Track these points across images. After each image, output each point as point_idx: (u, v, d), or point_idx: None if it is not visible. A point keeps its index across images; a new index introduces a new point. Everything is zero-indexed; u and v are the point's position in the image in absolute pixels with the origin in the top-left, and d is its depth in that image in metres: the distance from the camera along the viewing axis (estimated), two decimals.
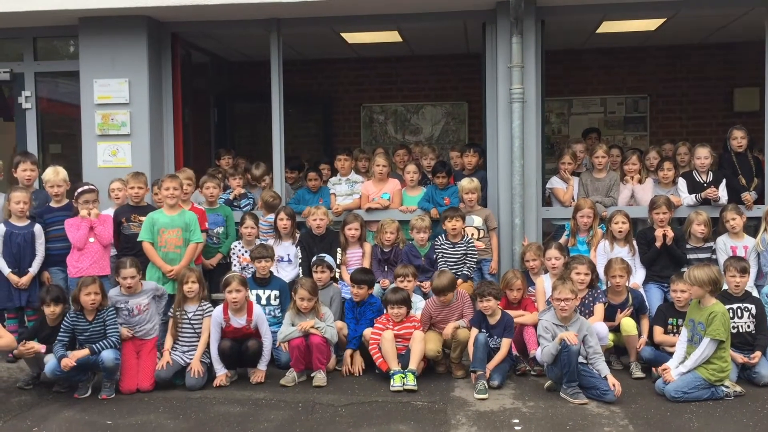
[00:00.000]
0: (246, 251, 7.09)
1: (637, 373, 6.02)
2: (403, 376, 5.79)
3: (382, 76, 11.27)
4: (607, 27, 9.04)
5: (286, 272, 7.09)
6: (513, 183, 7.40)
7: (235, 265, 7.13)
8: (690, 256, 6.78)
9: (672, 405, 5.33)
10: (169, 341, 6.13)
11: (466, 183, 7.31)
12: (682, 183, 7.43)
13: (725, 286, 5.93)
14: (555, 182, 7.83)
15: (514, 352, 6.18)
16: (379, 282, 6.92)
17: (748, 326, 5.93)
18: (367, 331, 6.25)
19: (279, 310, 6.57)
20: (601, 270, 6.51)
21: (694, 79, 10.79)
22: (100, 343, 5.73)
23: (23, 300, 6.63)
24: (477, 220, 7.28)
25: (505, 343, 6.00)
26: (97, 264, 6.53)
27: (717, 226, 6.99)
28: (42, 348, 5.81)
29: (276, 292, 6.62)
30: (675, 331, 6.07)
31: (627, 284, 6.39)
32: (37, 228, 6.67)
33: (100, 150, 7.89)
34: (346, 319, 6.51)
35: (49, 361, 5.72)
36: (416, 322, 6.21)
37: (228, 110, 11.17)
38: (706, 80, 10.74)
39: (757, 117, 8.61)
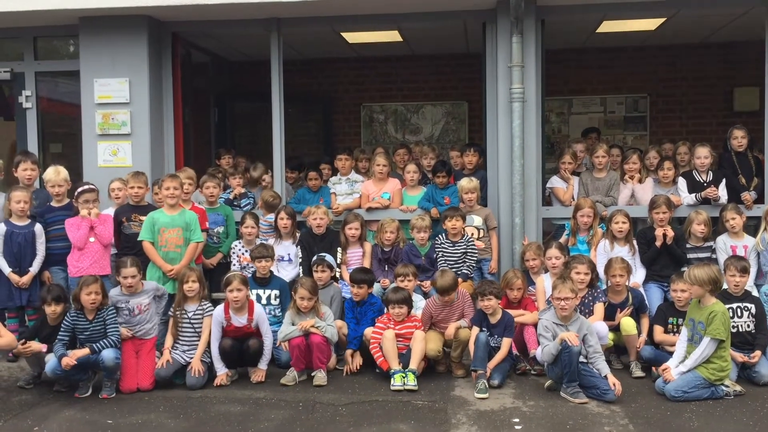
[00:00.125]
0: (246, 251, 7.09)
1: (637, 372, 6.03)
2: (404, 375, 5.80)
3: (383, 75, 11.27)
4: (607, 26, 9.04)
5: (287, 272, 7.09)
6: (513, 182, 7.41)
7: (234, 265, 7.13)
8: (690, 256, 6.78)
9: (672, 404, 5.34)
10: (169, 340, 6.13)
11: (465, 183, 7.32)
12: (682, 182, 7.43)
13: (725, 286, 5.93)
14: (555, 182, 7.83)
15: (515, 351, 6.18)
16: (379, 281, 6.93)
17: (748, 325, 5.93)
18: (368, 331, 6.25)
19: (279, 310, 6.58)
20: (601, 269, 6.52)
21: (694, 79, 10.80)
22: (101, 342, 5.73)
23: (24, 299, 6.63)
24: (477, 220, 7.28)
25: (506, 343, 6.00)
26: (98, 264, 6.54)
27: (717, 226, 7.00)
28: (43, 347, 5.82)
29: (276, 292, 6.62)
30: (675, 330, 6.07)
31: (627, 283, 6.40)
32: (38, 227, 6.68)
33: (100, 149, 7.90)
34: (346, 318, 6.51)
35: (50, 360, 5.73)
36: (417, 322, 6.21)
37: (228, 110, 11.18)
38: (706, 80, 10.75)
39: (757, 117, 8.63)
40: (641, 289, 6.65)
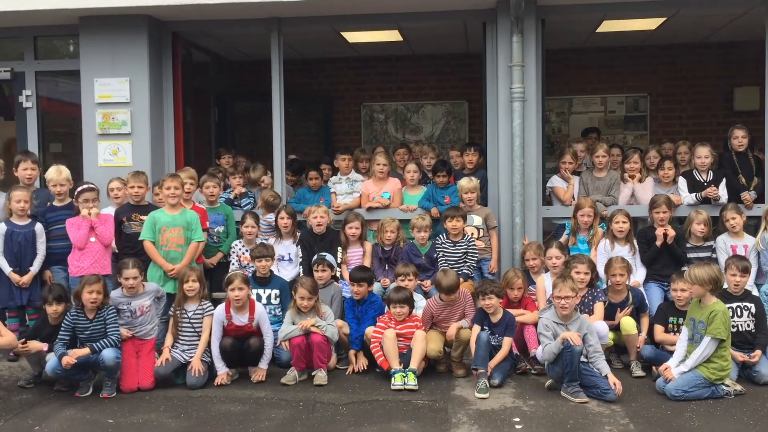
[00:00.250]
0: (246, 250, 7.09)
1: (638, 371, 6.03)
2: (404, 375, 5.80)
3: (383, 75, 11.28)
4: (608, 26, 9.05)
5: (287, 271, 7.10)
6: (513, 182, 7.41)
7: (234, 264, 7.13)
8: (690, 255, 6.79)
9: (672, 404, 5.34)
10: (169, 340, 6.13)
11: (465, 183, 7.32)
12: (682, 182, 7.44)
13: (725, 285, 5.93)
14: (555, 181, 7.83)
15: (515, 351, 6.18)
16: (379, 281, 6.93)
17: (748, 325, 5.93)
18: (369, 330, 6.25)
19: (279, 309, 6.58)
20: (601, 269, 6.52)
21: (695, 78, 10.81)
22: (101, 342, 5.73)
23: (24, 299, 6.63)
24: (477, 220, 7.28)
25: (507, 342, 6.00)
26: (98, 263, 6.53)
27: (717, 225, 7.00)
28: (43, 346, 5.82)
29: (276, 291, 6.62)
30: (675, 330, 6.07)
31: (627, 283, 6.40)
32: (38, 227, 6.68)
33: (100, 149, 7.90)
34: (347, 318, 6.51)
35: (50, 359, 5.73)
36: (418, 322, 6.21)
37: (228, 109, 11.18)
38: (707, 79, 10.75)
39: (757, 116, 8.63)
40: (641, 289, 6.66)
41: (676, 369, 5.54)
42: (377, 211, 7.56)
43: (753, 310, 5.94)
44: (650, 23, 9.07)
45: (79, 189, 6.68)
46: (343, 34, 9.29)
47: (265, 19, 7.94)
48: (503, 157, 7.52)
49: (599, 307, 6.18)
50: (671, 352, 5.82)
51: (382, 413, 5.26)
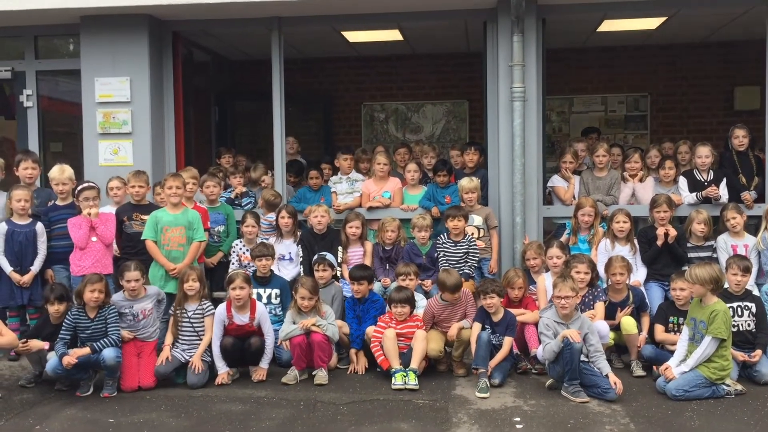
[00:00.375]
0: (247, 250, 7.09)
1: (638, 371, 6.03)
2: (405, 374, 5.80)
3: (383, 74, 11.28)
4: (608, 26, 9.05)
5: (288, 270, 7.10)
6: (514, 181, 7.41)
7: (234, 264, 7.13)
8: (691, 255, 6.79)
9: (673, 403, 5.34)
10: (169, 338, 6.13)
11: (465, 183, 7.31)
12: (682, 181, 7.44)
13: (726, 285, 5.93)
14: (556, 181, 7.83)
15: (515, 350, 6.19)
16: (380, 280, 6.93)
17: (749, 324, 5.93)
18: (370, 329, 6.25)
19: (280, 309, 6.57)
20: (601, 268, 6.52)
21: (695, 78, 10.80)
22: (101, 341, 5.73)
23: (25, 298, 6.63)
24: (477, 219, 7.28)
25: (507, 342, 6.00)
26: (100, 263, 6.53)
27: (717, 225, 7.00)
28: (44, 345, 5.82)
29: (276, 291, 6.62)
30: (676, 329, 6.07)
31: (627, 282, 6.40)
32: (39, 226, 6.68)
33: (101, 148, 7.90)
34: (347, 318, 6.51)
35: (51, 359, 5.73)
36: (419, 321, 6.21)
37: (229, 109, 11.19)
38: (707, 79, 10.75)
39: (757, 116, 8.64)
40: (642, 288, 6.66)
41: (676, 369, 5.54)
42: (378, 211, 7.56)
43: (754, 309, 5.94)
44: (651, 23, 9.08)
45: (79, 188, 6.68)
46: (343, 33, 9.29)
47: (265, 18, 7.94)
48: (504, 156, 7.52)
49: (600, 307, 6.18)
50: (672, 352, 5.83)
51: (383, 413, 5.27)
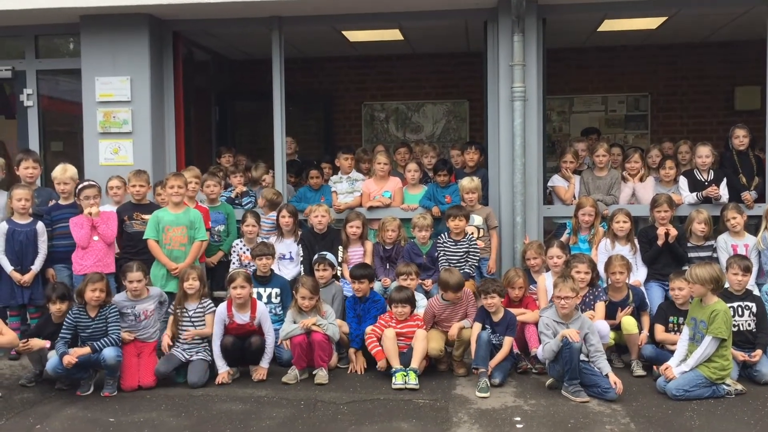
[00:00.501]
0: (247, 249, 7.09)
1: (638, 371, 6.03)
2: (405, 374, 5.80)
3: (383, 74, 11.28)
4: (609, 25, 9.05)
5: (288, 270, 7.10)
6: (514, 181, 7.41)
7: (234, 263, 7.13)
8: (691, 255, 6.80)
9: (673, 403, 5.34)
10: (168, 333, 6.12)
11: (466, 182, 7.31)
12: (683, 181, 7.44)
13: (726, 284, 5.93)
14: (556, 180, 7.84)
15: (516, 350, 6.19)
16: (380, 280, 6.93)
17: (749, 324, 5.93)
18: (369, 328, 6.25)
19: (280, 308, 6.58)
20: (601, 268, 6.52)
21: (695, 78, 10.81)
22: (101, 341, 5.73)
23: (26, 297, 6.63)
24: (477, 219, 7.28)
25: (507, 342, 6.00)
26: (102, 262, 6.54)
27: (718, 225, 7.00)
28: (46, 344, 5.82)
29: (277, 290, 6.62)
30: (676, 329, 6.07)
31: (627, 281, 6.40)
32: (40, 226, 6.68)
33: (101, 148, 7.90)
34: (347, 317, 6.51)
35: (51, 358, 5.73)
36: (419, 321, 6.22)
37: (229, 108, 11.20)
38: (707, 79, 10.75)
39: (757, 116, 8.64)
40: (642, 288, 6.66)
41: (677, 368, 5.54)
42: (378, 210, 7.56)
43: (754, 309, 5.94)
44: (651, 23, 9.07)
45: (80, 186, 6.69)
46: (344, 33, 9.29)
47: (266, 18, 7.94)
48: (504, 156, 7.53)
49: (600, 307, 6.18)
50: (672, 352, 5.83)
51: (383, 412, 5.27)
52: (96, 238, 6.57)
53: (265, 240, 7.07)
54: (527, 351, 6.24)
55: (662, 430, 4.89)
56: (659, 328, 6.14)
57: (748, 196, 7.29)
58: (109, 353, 5.66)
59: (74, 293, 6.03)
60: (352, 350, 6.36)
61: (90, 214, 6.53)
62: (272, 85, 8.05)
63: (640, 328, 6.19)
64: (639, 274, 6.81)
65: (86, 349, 5.68)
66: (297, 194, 8.11)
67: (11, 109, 8.65)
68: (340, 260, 7.03)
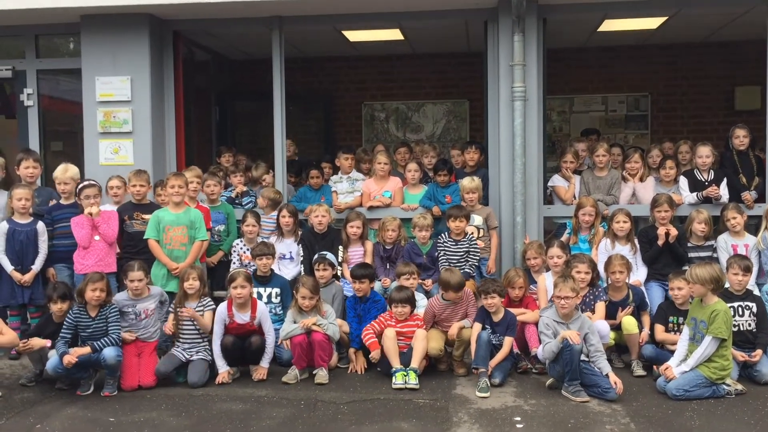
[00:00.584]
0: (247, 249, 7.09)
1: (639, 371, 6.03)
2: (405, 374, 5.80)
3: (384, 74, 11.28)
4: (609, 25, 9.05)
5: (288, 270, 7.10)
6: (514, 181, 7.42)
7: (234, 263, 7.13)
8: (691, 255, 6.80)
9: (673, 403, 5.34)
10: (169, 325, 6.12)
11: (467, 182, 7.31)
12: (683, 181, 7.44)
13: (727, 284, 5.93)
14: (556, 180, 7.84)
15: (516, 350, 6.19)
16: (380, 280, 6.93)
17: (749, 324, 5.93)
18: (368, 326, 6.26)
19: (280, 308, 6.58)
20: (601, 268, 6.52)
21: (695, 78, 10.81)
22: (102, 340, 5.73)
23: (26, 297, 6.63)
24: (477, 219, 7.28)
25: (507, 342, 6.00)
26: (103, 261, 6.55)
27: (718, 225, 7.00)
28: (46, 343, 5.82)
29: (277, 290, 6.62)
30: (676, 329, 6.07)
31: (627, 280, 6.40)
32: (40, 225, 6.68)
33: (102, 147, 7.91)
34: (348, 317, 6.51)
35: (51, 358, 5.73)
36: (419, 321, 6.22)
37: (229, 108, 11.20)
38: (707, 79, 10.75)
39: (758, 116, 8.64)
40: (642, 288, 6.66)
41: (677, 368, 5.54)
42: (378, 210, 7.56)
43: (754, 309, 5.94)
44: (651, 23, 9.08)
45: (80, 186, 6.70)
46: (344, 32, 9.29)
47: (266, 17, 7.94)
48: (504, 156, 7.53)
49: (600, 307, 6.18)
50: (672, 352, 5.83)
51: (384, 412, 5.27)
52: (97, 237, 6.57)
53: (265, 240, 7.06)
54: (527, 351, 6.24)
55: (662, 430, 4.89)
56: (659, 328, 6.15)
57: (748, 196, 7.29)
58: (109, 353, 5.66)
59: (75, 293, 6.03)
60: (352, 350, 6.36)
61: (90, 214, 6.53)
62: (272, 85, 8.05)
63: (641, 328, 6.19)
64: (639, 273, 6.82)
65: (86, 349, 5.68)
66: (297, 194, 8.11)
67: (11, 109, 8.65)
68: (340, 260, 7.03)
